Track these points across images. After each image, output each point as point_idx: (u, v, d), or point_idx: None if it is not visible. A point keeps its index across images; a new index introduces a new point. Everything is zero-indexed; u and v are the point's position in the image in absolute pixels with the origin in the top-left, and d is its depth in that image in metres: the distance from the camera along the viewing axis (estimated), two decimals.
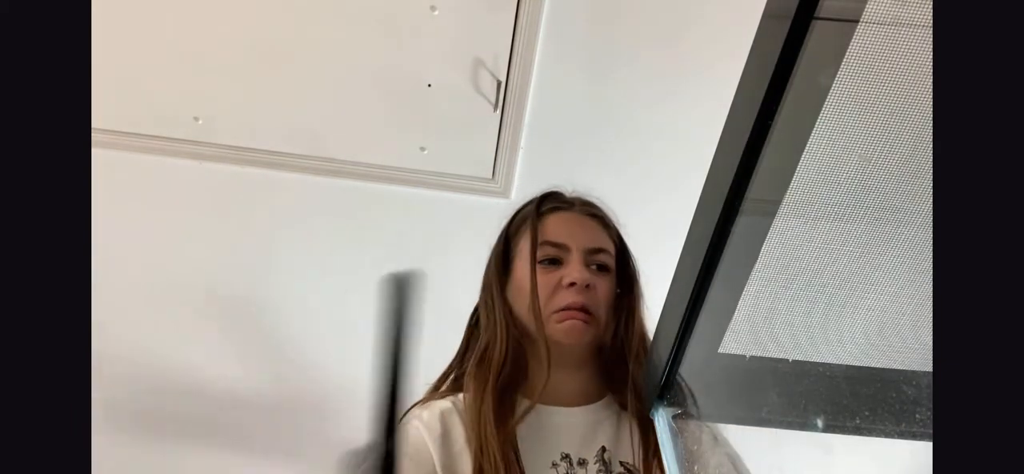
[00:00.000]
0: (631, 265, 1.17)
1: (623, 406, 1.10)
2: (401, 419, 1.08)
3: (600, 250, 1.13)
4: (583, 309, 1.07)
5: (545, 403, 1.07)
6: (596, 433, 1.07)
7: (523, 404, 1.06)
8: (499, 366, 1.07)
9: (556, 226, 1.13)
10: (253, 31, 1.65)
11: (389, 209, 1.97)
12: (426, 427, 1.04)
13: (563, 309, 1.07)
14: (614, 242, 1.16)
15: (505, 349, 1.08)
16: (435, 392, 1.13)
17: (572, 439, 1.06)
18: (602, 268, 1.12)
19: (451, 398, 1.09)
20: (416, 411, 1.08)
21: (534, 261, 1.10)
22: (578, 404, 1.10)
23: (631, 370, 1.08)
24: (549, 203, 1.17)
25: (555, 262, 1.10)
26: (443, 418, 1.05)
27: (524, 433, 1.03)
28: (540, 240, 1.11)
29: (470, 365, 1.10)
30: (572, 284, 1.07)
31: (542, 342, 1.06)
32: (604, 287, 1.11)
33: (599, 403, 1.11)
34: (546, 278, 1.09)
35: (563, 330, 1.06)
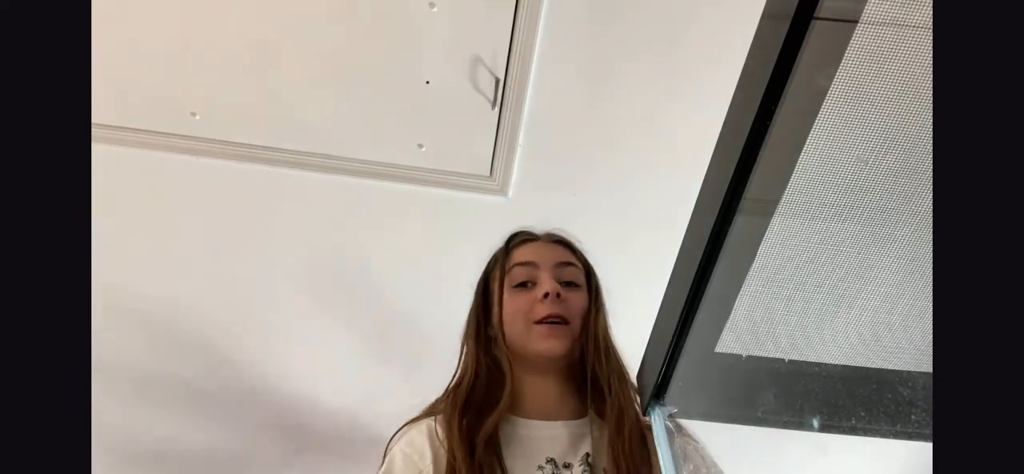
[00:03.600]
0: (595, 282, 1.25)
1: (602, 417, 1.15)
2: (392, 438, 1.20)
3: (567, 264, 1.22)
4: (559, 318, 1.15)
5: (530, 418, 1.15)
6: (580, 443, 1.13)
7: (510, 420, 1.14)
8: (466, 393, 1.15)
9: (524, 252, 1.24)
10: (251, 27, 1.65)
11: (387, 206, 1.97)
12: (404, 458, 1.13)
13: (539, 321, 1.15)
14: (581, 263, 1.25)
15: (473, 380, 1.17)
16: (428, 413, 1.21)
17: (556, 447, 1.12)
18: (571, 284, 1.20)
19: (429, 419, 1.18)
20: (400, 440, 1.17)
21: (502, 284, 1.20)
22: (562, 419, 1.15)
23: (592, 365, 1.15)
24: (517, 238, 1.28)
25: (528, 285, 1.19)
26: (422, 437, 1.14)
27: (510, 444, 1.10)
28: (513, 263, 1.22)
29: (443, 394, 1.20)
30: (545, 296, 1.15)
31: (528, 354, 1.16)
32: (576, 299, 1.19)
33: (583, 419, 1.16)
34: (521, 299, 1.18)
35: (542, 337, 1.14)
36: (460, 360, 1.24)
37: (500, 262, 1.24)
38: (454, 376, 1.22)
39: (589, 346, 1.17)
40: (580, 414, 1.17)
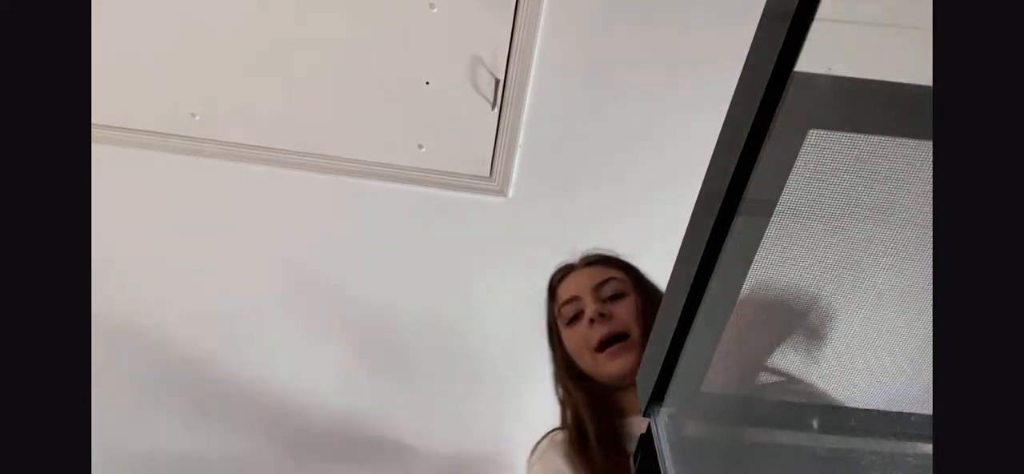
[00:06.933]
0: (643, 279, 1.29)
1: None
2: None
3: (606, 281, 1.25)
4: (614, 336, 1.19)
5: (630, 415, 1.20)
6: None
7: (625, 422, 1.18)
8: (577, 433, 1.19)
9: (565, 288, 1.28)
10: (251, 28, 1.65)
11: (387, 206, 1.97)
12: None
13: (598, 347, 1.19)
14: (622, 269, 1.28)
15: (576, 420, 1.21)
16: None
17: None
18: (616, 296, 1.23)
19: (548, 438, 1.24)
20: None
21: (557, 326, 1.25)
22: None
23: None
24: (556, 276, 1.33)
25: (578, 316, 1.23)
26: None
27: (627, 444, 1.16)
28: (560, 304, 1.26)
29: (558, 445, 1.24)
30: (591, 320, 1.19)
31: (605, 380, 1.20)
32: (625, 308, 1.22)
33: None
34: (576, 333, 1.22)
35: (607, 362, 1.18)
36: (562, 407, 1.28)
37: (551, 303, 1.30)
38: (562, 423, 1.26)
39: None
40: None
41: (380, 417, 2.53)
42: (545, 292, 1.34)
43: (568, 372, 1.26)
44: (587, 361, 1.20)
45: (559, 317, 1.27)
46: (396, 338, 2.32)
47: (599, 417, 1.18)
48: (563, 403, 1.27)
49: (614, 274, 1.27)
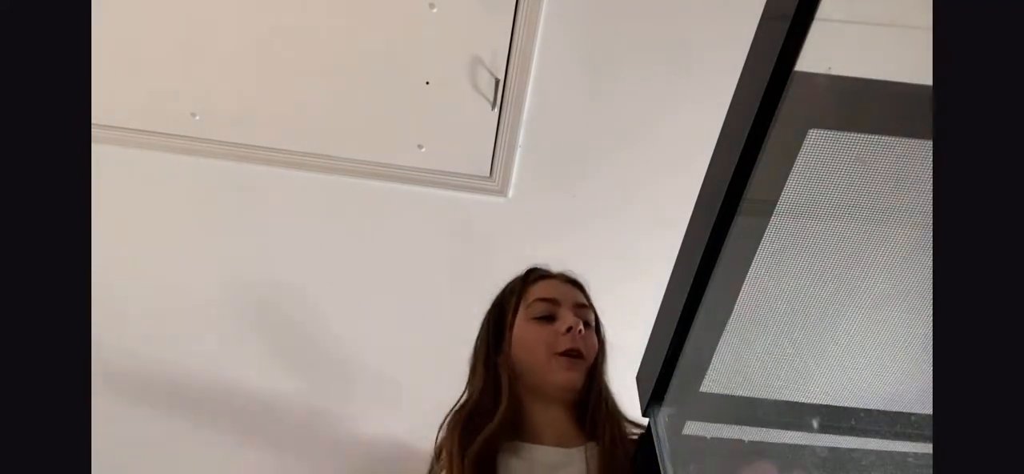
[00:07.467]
0: (601, 331, 1.31)
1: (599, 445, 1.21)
2: None
3: (584, 306, 1.29)
4: (578, 353, 1.21)
5: (546, 444, 1.19)
6: (569, 468, 1.17)
7: (526, 446, 1.17)
8: (468, 415, 1.20)
9: (544, 287, 1.29)
10: (251, 27, 1.65)
11: (386, 206, 1.97)
12: None
13: (563, 353, 1.20)
14: (593, 309, 1.31)
15: (476, 403, 1.21)
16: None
17: (573, 471, 1.16)
18: (587, 325, 1.26)
19: None
20: None
21: (517, 314, 1.25)
22: (576, 445, 1.19)
23: (594, 407, 1.21)
24: (536, 273, 1.34)
25: (549, 318, 1.24)
26: None
27: (515, 467, 1.15)
28: (533, 298, 1.26)
29: (448, 418, 1.23)
30: (569, 329, 1.21)
31: (545, 385, 1.20)
32: (591, 339, 1.25)
33: (581, 447, 1.20)
34: (544, 330, 1.23)
35: (563, 368, 1.19)
36: (468, 381, 1.28)
37: (518, 293, 1.28)
38: (461, 397, 1.26)
39: (594, 387, 1.22)
40: (579, 442, 1.21)
41: (379, 416, 2.53)
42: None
43: (487, 357, 1.26)
44: (540, 358, 1.21)
45: (526, 307, 1.26)
46: (395, 338, 2.32)
47: (509, 410, 1.19)
48: (475, 377, 1.26)
49: (590, 306, 1.30)
